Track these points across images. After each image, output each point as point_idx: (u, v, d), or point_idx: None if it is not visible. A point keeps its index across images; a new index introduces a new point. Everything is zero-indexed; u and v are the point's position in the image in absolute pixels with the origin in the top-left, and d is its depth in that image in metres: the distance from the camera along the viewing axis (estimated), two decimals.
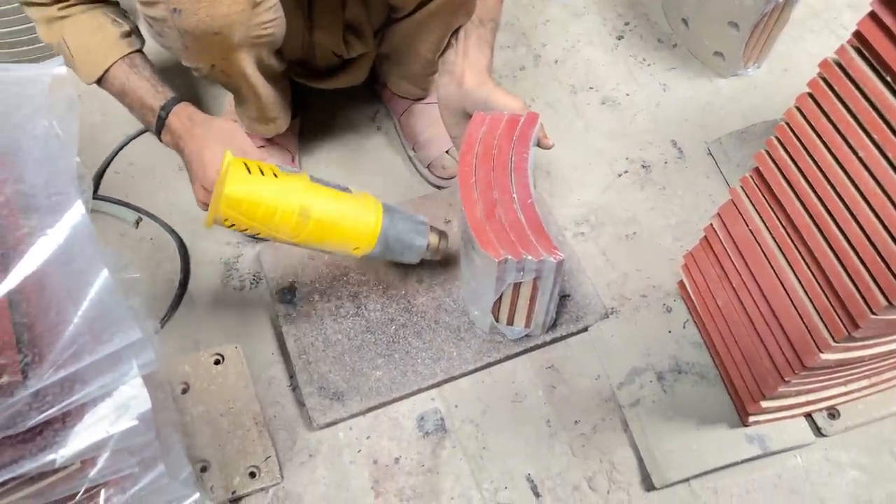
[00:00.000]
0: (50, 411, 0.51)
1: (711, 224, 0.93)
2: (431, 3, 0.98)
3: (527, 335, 1.04)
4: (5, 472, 0.53)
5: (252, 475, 0.94)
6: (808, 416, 0.98)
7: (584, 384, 1.03)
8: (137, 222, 1.17)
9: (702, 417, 0.98)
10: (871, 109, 0.66)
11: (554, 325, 1.06)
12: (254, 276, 1.13)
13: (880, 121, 0.65)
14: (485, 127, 0.99)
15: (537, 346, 1.05)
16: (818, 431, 0.99)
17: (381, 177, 1.24)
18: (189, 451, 0.93)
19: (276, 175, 0.88)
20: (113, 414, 0.56)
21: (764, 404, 0.91)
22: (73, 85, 0.60)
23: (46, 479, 0.60)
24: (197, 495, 0.78)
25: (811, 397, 0.93)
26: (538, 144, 1.01)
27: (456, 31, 1.02)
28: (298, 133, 1.22)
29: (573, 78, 1.36)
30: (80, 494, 0.65)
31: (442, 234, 1.01)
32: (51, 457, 0.56)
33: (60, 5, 0.88)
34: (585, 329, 1.07)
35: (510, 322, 1.02)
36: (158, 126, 0.93)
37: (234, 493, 0.93)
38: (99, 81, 0.93)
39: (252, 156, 0.91)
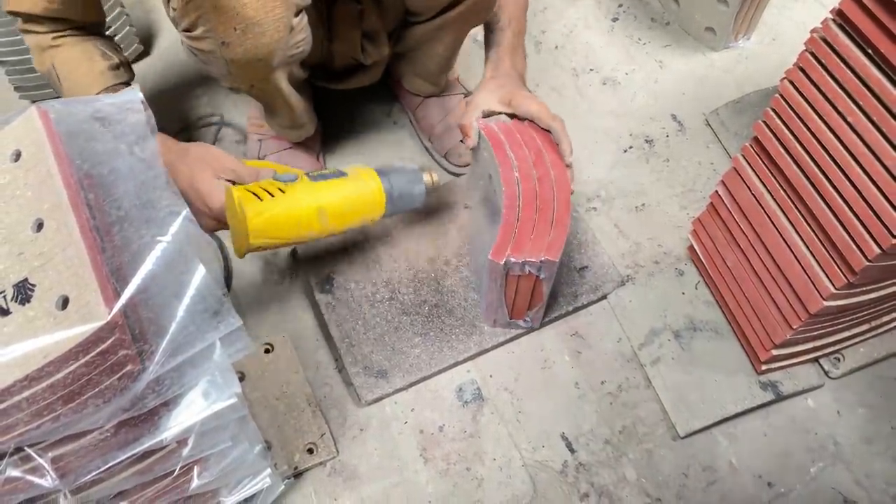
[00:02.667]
0: (166, 395, 0.59)
1: (716, 191, 1.01)
2: (450, 12, 1.05)
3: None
4: (128, 450, 0.62)
5: (310, 451, 1.02)
6: (816, 361, 1.07)
7: (607, 347, 1.12)
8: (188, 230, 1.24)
9: (718, 369, 1.06)
10: (855, 79, 0.74)
11: (575, 296, 1.14)
12: (291, 270, 1.21)
13: (865, 89, 0.73)
14: (503, 134, 1.03)
15: (561, 316, 1.13)
16: (826, 375, 1.07)
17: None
18: None
19: (282, 191, 0.95)
20: (211, 393, 0.64)
21: (774, 353, 0.99)
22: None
23: (151, 457, 0.69)
24: (269, 469, 0.87)
25: (817, 343, 1.02)
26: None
27: (494, 34, 1.08)
28: (322, 133, 1.29)
29: (574, 61, 1.43)
30: (176, 471, 0.74)
31: (431, 170, 1.07)
32: (161, 436, 0.64)
33: (54, 35, 0.94)
34: (604, 297, 1.15)
35: (516, 316, 1.08)
36: None
37: (295, 468, 1.01)
38: None
39: (241, 170, 0.96)
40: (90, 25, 0.99)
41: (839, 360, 1.07)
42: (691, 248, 1.14)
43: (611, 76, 1.41)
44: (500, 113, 1.05)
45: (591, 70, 1.42)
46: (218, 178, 0.93)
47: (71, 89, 0.97)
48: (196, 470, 0.75)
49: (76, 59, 0.96)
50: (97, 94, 0.96)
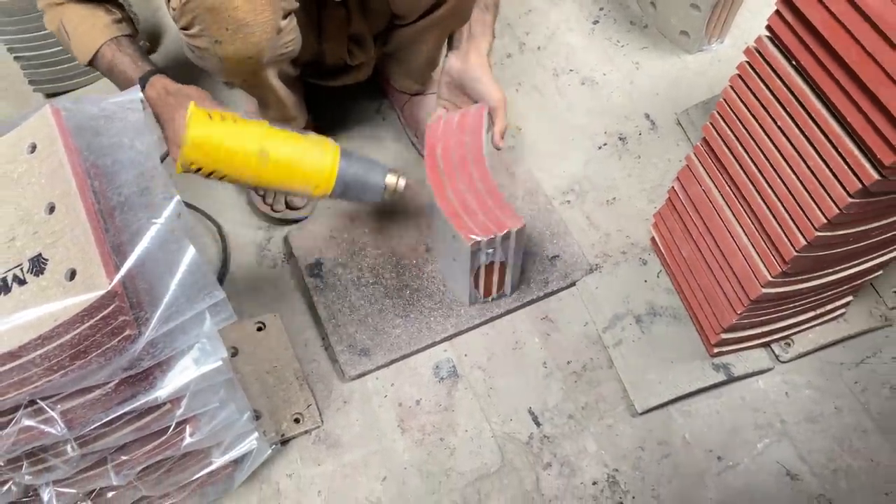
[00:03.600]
0: (159, 357, 0.68)
1: (673, 187, 1.09)
2: (432, 14, 1.14)
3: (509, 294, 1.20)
4: (126, 405, 0.71)
5: (297, 421, 1.12)
6: (768, 345, 1.15)
7: (574, 330, 1.20)
8: (179, 214, 1.33)
9: (675, 352, 1.14)
10: (784, 88, 0.82)
11: (546, 282, 1.23)
12: (284, 255, 1.30)
13: (792, 97, 0.81)
14: (441, 128, 1.14)
15: (532, 301, 1.22)
16: (776, 358, 1.15)
17: (389, 159, 1.39)
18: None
19: (235, 121, 0.99)
20: (200, 358, 0.73)
21: (724, 336, 1.07)
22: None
23: (148, 415, 0.78)
24: (256, 433, 0.96)
25: (767, 328, 1.10)
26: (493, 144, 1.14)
27: None
28: (313, 127, 1.38)
29: (555, 62, 1.51)
30: (170, 429, 0.83)
31: (401, 175, 1.08)
32: (156, 393, 0.73)
33: None
34: (573, 284, 1.24)
35: (488, 293, 1.18)
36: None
37: (283, 435, 1.10)
38: (91, 62, 1.06)
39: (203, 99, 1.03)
40: None
41: (789, 344, 1.15)
42: (653, 239, 1.22)
43: (589, 76, 1.49)
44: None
45: (570, 70, 1.50)
46: None
47: (77, 45, 1.04)
48: (189, 429, 0.84)
49: (81, 16, 1.03)
50: (101, 45, 1.04)
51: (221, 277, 1.27)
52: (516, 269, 1.16)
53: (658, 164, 1.37)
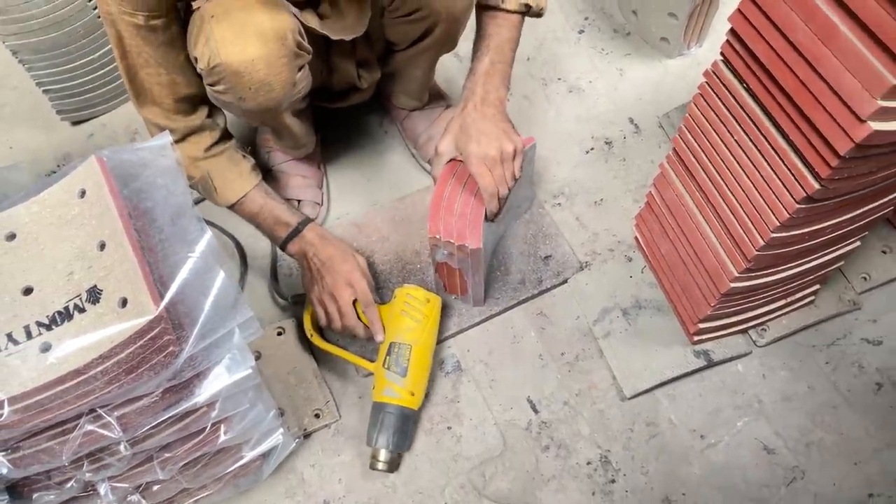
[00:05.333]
0: (198, 368, 0.80)
1: (650, 191, 1.19)
2: (421, 42, 1.24)
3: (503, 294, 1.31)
4: (170, 410, 0.82)
5: (317, 416, 1.23)
6: (744, 332, 1.25)
7: (566, 324, 1.31)
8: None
9: (659, 341, 1.25)
10: (737, 106, 0.92)
11: (540, 281, 1.33)
12: (298, 265, 1.41)
13: (744, 114, 0.91)
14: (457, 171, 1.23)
15: (528, 299, 1.33)
16: (753, 343, 1.26)
17: (391, 172, 1.51)
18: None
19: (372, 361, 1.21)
20: (232, 366, 0.85)
21: (702, 326, 1.18)
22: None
23: (188, 418, 0.89)
24: (281, 429, 1.08)
25: (741, 317, 1.20)
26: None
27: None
28: (321, 144, 1.49)
29: (543, 72, 1.61)
30: (207, 429, 0.95)
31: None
32: (195, 399, 0.85)
33: (206, 153, 1.15)
34: (565, 281, 1.34)
35: (451, 291, 1.31)
36: (290, 236, 1.21)
37: (305, 430, 1.22)
38: (234, 205, 1.20)
39: (365, 268, 1.22)
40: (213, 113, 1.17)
41: (765, 330, 1.25)
42: (637, 238, 1.32)
43: (576, 84, 1.58)
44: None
45: (558, 79, 1.59)
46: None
47: (224, 191, 1.19)
48: (223, 428, 0.95)
49: (226, 166, 1.18)
50: (249, 190, 1.19)
51: (241, 287, 1.38)
52: (477, 286, 1.26)
53: (642, 166, 1.47)
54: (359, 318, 1.19)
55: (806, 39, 0.76)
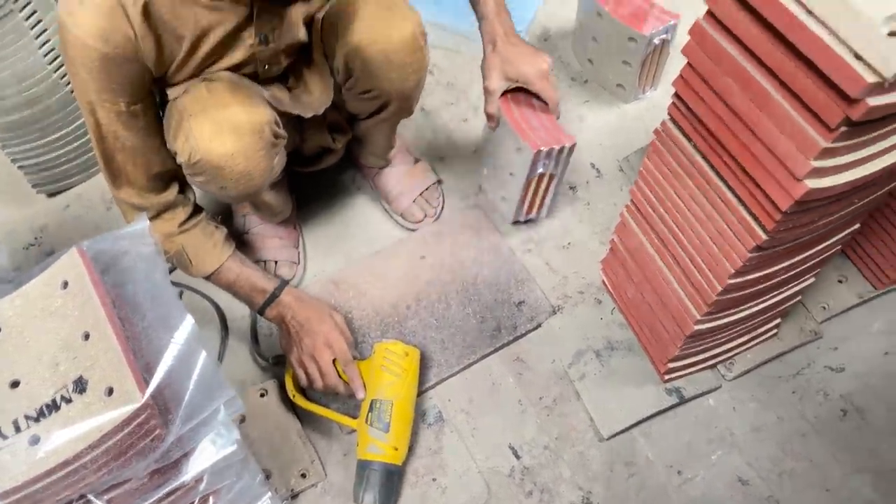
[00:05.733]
0: (185, 448, 0.82)
1: (613, 238, 1.24)
2: (378, 115, 1.30)
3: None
4: (160, 490, 0.85)
5: (303, 476, 1.25)
6: (713, 367, 1.30)
7: (543, 368, 1.35)
8: (180, 295, 1.47)
9: (632, 381, 1.29)
10: (687, 162, 0.97)
11: (515, 327, 1.37)
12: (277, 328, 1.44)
13: (694, 170, 0.96)
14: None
15: (505, 345, 1.37)
16: (722, 378, 1.30)
17: (365, 227, 1.55)
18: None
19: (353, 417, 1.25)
20: (218, 442, 0.87)
21: (671, 365, 1.22)
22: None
23: (177, 492, 0.91)
24: (269, 493, 1.10)
25: (709, 354, 1.25)
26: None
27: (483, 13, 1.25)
28: (295, 205, 1.53)
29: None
30: (196, 501, 0.97)
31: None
32: (183, 478, 0.87)
33: (180, 228, 1.18)
34: (539, 325, 1.38)
35: (530, 210, 1.45)
36: (267, 302, 1.24)
37: (292, 490, 1.24)
38: (211, 276, 1.23)
39: (343, 326, 1.26)
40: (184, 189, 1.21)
41: (732, 364, 1.30)
42: (604, 281, 1.37)
43: None
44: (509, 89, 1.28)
45: None
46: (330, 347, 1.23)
47: (200, 264, 1.22)
48: (212, 500, 0.98)
49: (201, 238, 1.21)
50: (225, 261, 1.22)
51: (223, 350, 1.41)
52: (558, 189, 1.43)
53: (605, 209, 1.52)
54: (339, 376, 1.22)
55: (743, 106, 0.82)
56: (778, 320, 1.26)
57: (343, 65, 1.18)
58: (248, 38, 1.06)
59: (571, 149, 1.30)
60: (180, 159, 1.06)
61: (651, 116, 1.64)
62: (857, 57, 0.68)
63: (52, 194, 1.62)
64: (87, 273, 0.82)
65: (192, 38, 1.02)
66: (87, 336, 0.79)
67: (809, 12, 0.72)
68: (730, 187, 0.91)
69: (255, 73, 1.13)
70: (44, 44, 1.38)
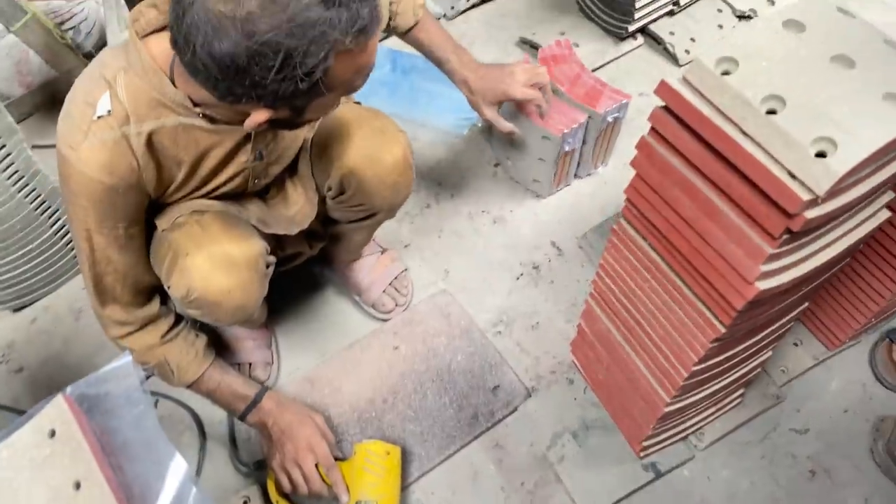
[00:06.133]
0: None
1: (580, 324, 1.29)
2: (366, 221, 1.34)
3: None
4: None
5: None
6: (685, 438, 1.35)
7: (522, 452, 1.37)
8: (155, 403, 1.47)
9: (610, 459, 1.33)
10: (644, 259, 1.03)
11: (492, 413, 1.40)
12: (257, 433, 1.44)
13: (651, 266, 1.02)
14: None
15: (483, 433, 1.39)
16: (694, 448, 1.35)
17: (336, 320, 1.57)
18: None
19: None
20: None
21: (646, 443, 1.26)
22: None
23: None
24: None
25: (680, 428, 1.29)
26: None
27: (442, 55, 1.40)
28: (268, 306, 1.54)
29: (468, 206, 1.72)
30: None
31: None
32: None
33: (163, 339, 1.20)
34: (515, 409, 1.42)
35: (558, 182, 1.69)
36: (248, 409, 1.27)
37: None
38: (193, 384, 1.24)
39: (325, 428, 1.29)
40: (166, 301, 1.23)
41: (703, 434, 1.35)
42: (575, 362, 1.42)
43: (499, 215, 1.70)
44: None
45: (483, 211, 1.71)
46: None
47: (182, 373, 1.23)
48: None
49: (183, 348, 1.23)
50: (206, 369, 1.24)
51: (202, 458, 1.40)
52: (583, 154, 1.67)
53: (569, 287, 1.58)
54: (323, 480, 1.23)
55: (692, 214, 0.88)
56: (742, 389, 1.32)
57: (338, 184, 1.23)
58: (244, 155, 1.11)
59: (595, 115, 1.53)
60: (174, 294, 1.09)
61: (604, 192, 1.72)
62: (792, 176, 0.75)
63: (17, 309, 1.61)
64: (74, 420, 0.83)
65: (192, 162, 1.06)
66: (78, 485, 0.80)
67: (745, 134, 0.79)
68: (686, 284, 0.97)
69: (243, 187, 1.17)
70: (8, 167, 1.39)
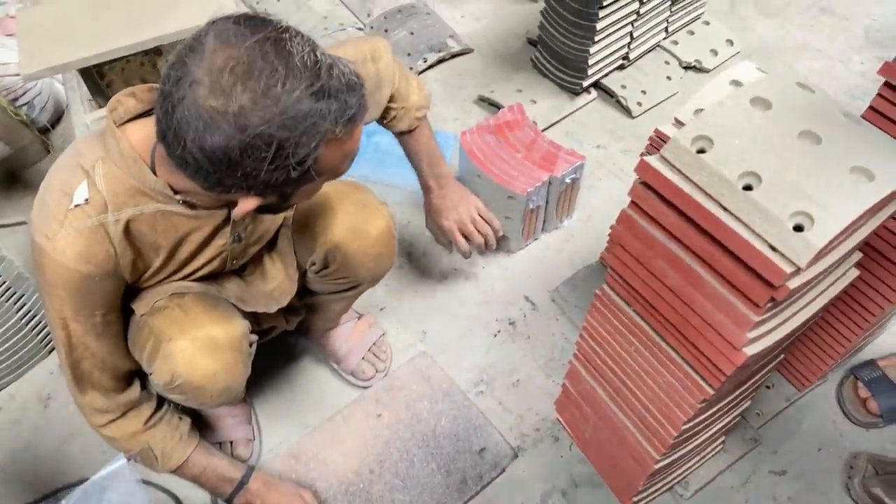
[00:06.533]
0: None
1: (565, 383, 1.32)
2: (348, 292, 1.34)
3: None
4: None
5: None
6: (671, 489, 1.37)
7: None
8: None
9: None
10: (629, 324, 1.06)
11: (480, 477, 1.40)
12: None
13: (637, 331, 1.05)
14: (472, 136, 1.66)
15: (472, 497, 1.39)
16: (680, 497, 1.37)
17: (316, 390, 1.55)
18: None
19: None
20: None
21: (635, 499, 1.28)
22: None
23: None
24: None
25: (666, 480, 1.32)
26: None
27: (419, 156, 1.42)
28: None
29: (440, 264, 1.74)
30: None
31: None
32: None
33: (146, 425, 1.17)
34: (503, 471, 1.42)
35: (527, 238, 1.72)
36: (235, 491, 1.25)
37: None
38: (178, 468, 1.21)
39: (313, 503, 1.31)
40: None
41: (687, 483, 1.37)
42: (559, 419, 1.43)
43: (472, 272, 1.72)
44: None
45: (454, 269, 1.73)
46: None
47: (166, 459, 1.20)
48: None
49: (167, 432, 1.20)
50: (191, 452, 1.22)
51: None
52: (547, 210, 1.71)
53: (545, 341, 1.60)
54: None
55: (678, 284, 0.91)
56: (722, 438, 1.36)
57: (322, 258, 1.23)
58: (223, 238, 1.10)
59: (554, 178, 1.59)
60: (157, 381, 1.07)
61: (571, 245, 1.76)
62: (773, 249, 0.79)
63: None
64: None
65: (170, 247, 1.05)
66: None
67: (725, 209, 0.82)
68: (673, 348, 1.00)
69: (221, 268, 1.16)
70: None
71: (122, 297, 1.07)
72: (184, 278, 1.13)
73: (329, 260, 1.23)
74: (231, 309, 1.15)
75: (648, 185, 0.89)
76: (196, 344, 1.06)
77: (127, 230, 0.98)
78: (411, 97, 1.32)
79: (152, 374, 1.09)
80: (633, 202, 0.93)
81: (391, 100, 1.31)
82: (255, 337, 1.18)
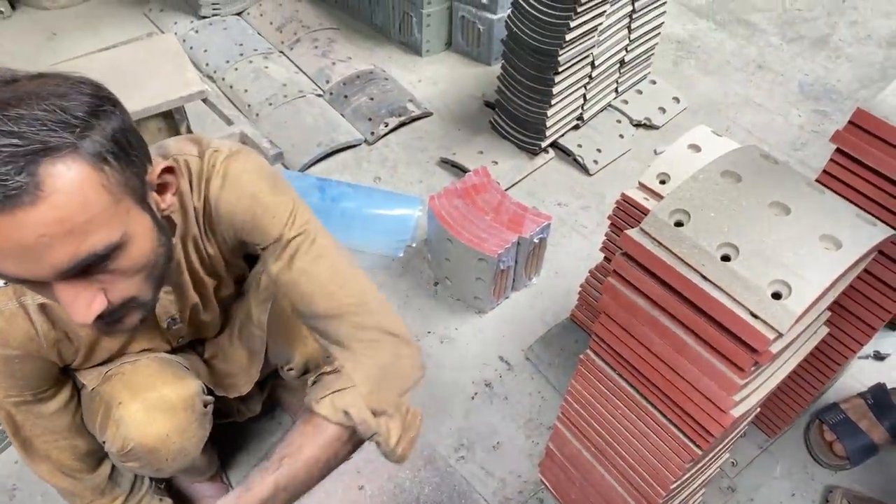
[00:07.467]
0: None
1: (549, 445, 1.33)
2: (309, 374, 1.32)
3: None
4: None
5: None
6: None
7: None
8: None
9: None
10: (615, 387, 1.08)
11: None
12: None
13: (622, 394, 1.08)
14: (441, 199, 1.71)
15: None
16: None
17: None
18: None
19: None
20: None
21: None
22: None
23: None
24: None
25: None
26: None
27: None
28: (219, 457, 1.49)
29: (414, 327, 1.74)
30: None
31: None
32: None
33: None
34: None
35: (498, 296, 1.74)
36: None
37: None
38: None
39: None
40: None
41: None
42: (543, 481, 1.44)
43: (446, 334, 1.73)
44: None
45: (429, 332, 1.74)
46: None
47: None
48: None
49: None
50: None
51: None
52: (517, 271, 1.73)
53: (523, 401, 1.61)
54: None
55: (663, 351, 0.95)
56: (703, 489, 1.39)
57: (301, 366, 1.20)
58: (155, 325, 1.07)
59: (523, 239, 1.64)
60: (111, 449, 1.04)
61: (541, 302, 1.79)
62: (754, 316, 0.83)
63: None
64: None
65: (89, 341, 1.01)
66: None
67: (705, 278, 0.87)
68: (660, 411, 1.03)
69: (168, 348, 1.14)
70: None
71: (57, 377, 1.05)
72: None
73: (309, 367, 1.21)
74: (183, 369, 1.13)
75: (631, 257, 0.93)
76: (146, 405, 1.04)
77: (45, 310, 0.94)
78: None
79: (105, 443, 1.06)
80: (615, 272, 0.97)
81: None
82: (210, 398, 1.15)
